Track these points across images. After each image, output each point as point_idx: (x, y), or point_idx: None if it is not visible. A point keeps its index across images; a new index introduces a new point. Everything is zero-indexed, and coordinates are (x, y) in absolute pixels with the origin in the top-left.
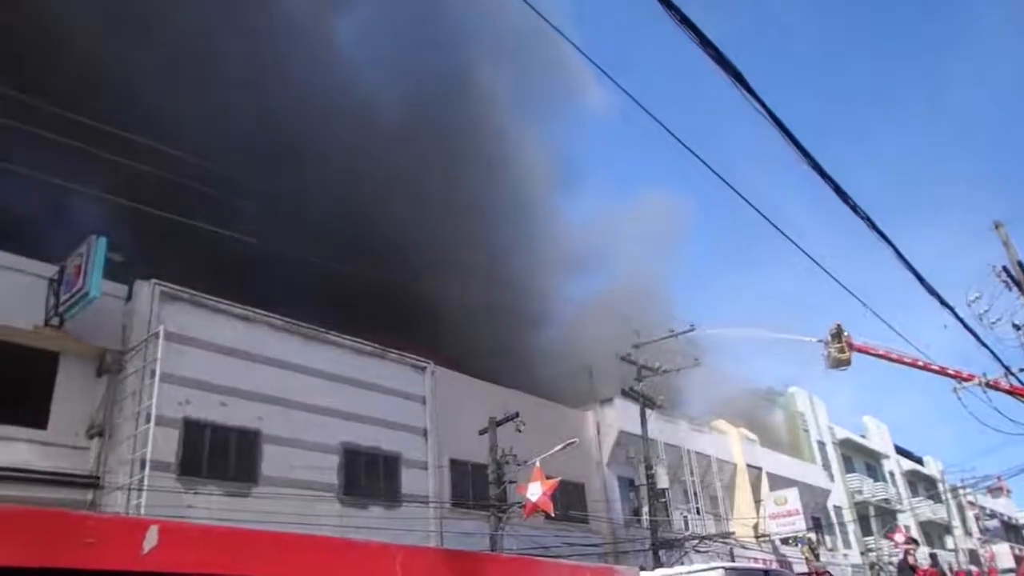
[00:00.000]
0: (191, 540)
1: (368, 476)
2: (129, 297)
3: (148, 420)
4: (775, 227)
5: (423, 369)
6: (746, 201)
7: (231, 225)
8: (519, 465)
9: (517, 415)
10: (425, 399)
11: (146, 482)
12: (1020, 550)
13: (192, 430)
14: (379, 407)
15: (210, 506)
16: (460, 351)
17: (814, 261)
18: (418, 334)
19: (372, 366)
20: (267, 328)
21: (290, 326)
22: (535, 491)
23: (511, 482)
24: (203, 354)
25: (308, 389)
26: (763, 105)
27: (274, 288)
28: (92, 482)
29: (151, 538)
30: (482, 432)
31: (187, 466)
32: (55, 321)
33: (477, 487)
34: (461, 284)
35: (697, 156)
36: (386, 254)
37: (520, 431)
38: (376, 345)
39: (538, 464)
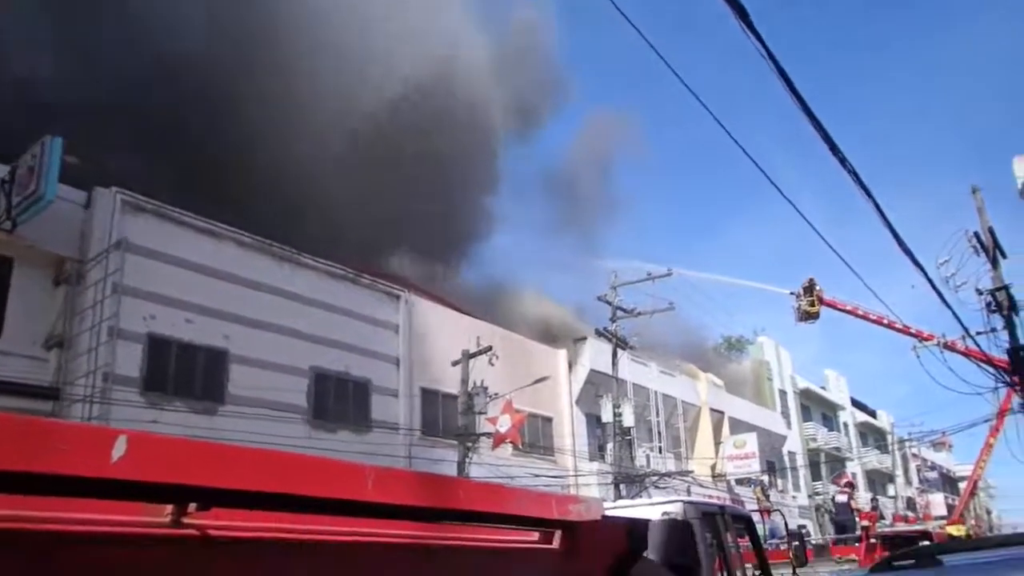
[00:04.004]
0: (160, 451)
1: (337, 401)
2: (88, 204)
3: (110, 334)
4: (762, 171)
5: (397, 297)
6: (735, 142)
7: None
8: (490, 398)
9: (491, 348)
10: (398, 327)
11: (108, 396)
12: (953, 500)
13: (157, 346)
14: (351, 333)
15: (175, 423)
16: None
17: (795, 208)
18: (389, 261)
19: (345, 291)
20: (236, 245)
21: (260, 244)
22: (504, 423)
23: (481, 413)
24: (168, 269)
25: (278, 310)
26: (761, 42)
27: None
28: (51, 393)
29: (119, 447)
30: (455, 363)
31: (152, 382)
32: (7, 225)
33: (447, 417)
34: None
35: (689, 89)
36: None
37: (493, 364)
38: (349, 269)
39: (509, 397)
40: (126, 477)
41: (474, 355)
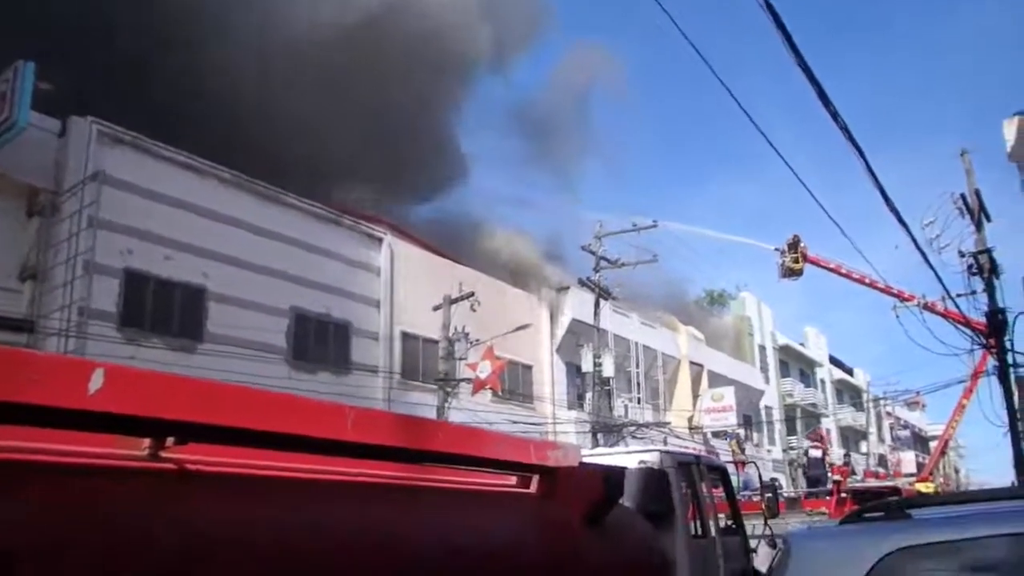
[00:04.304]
0: (138, 384)
1: (317, 342)
2: (62, 133)
3: (86, 268)
4: (752, 120)
5: (379, 240)
6: (728, 91)
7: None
8: (471, 344)
9: (472, 294)
10: (380, 270)
11: (84, 330)
12: (923, 458)
13: (134, 282)
14: (332, 274)
15: (152, 360)
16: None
17: (783, 160)
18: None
19: (327, 232)
20: (216, 182)
21: (241, 181)
22: (484, 370)
23: (461, 359)
24: (146, 203)
25: (258, 249)
26: None
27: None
28: (26, 326)
29: (96, 380)
30: (436, 308)
31: (129, 318)
32: None
33: (427, 361)
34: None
35: (684, 35)
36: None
37: (475, 310)
38: (332, 210)
39: (490, 344)
40: (103, 409)
41: (456, 300)
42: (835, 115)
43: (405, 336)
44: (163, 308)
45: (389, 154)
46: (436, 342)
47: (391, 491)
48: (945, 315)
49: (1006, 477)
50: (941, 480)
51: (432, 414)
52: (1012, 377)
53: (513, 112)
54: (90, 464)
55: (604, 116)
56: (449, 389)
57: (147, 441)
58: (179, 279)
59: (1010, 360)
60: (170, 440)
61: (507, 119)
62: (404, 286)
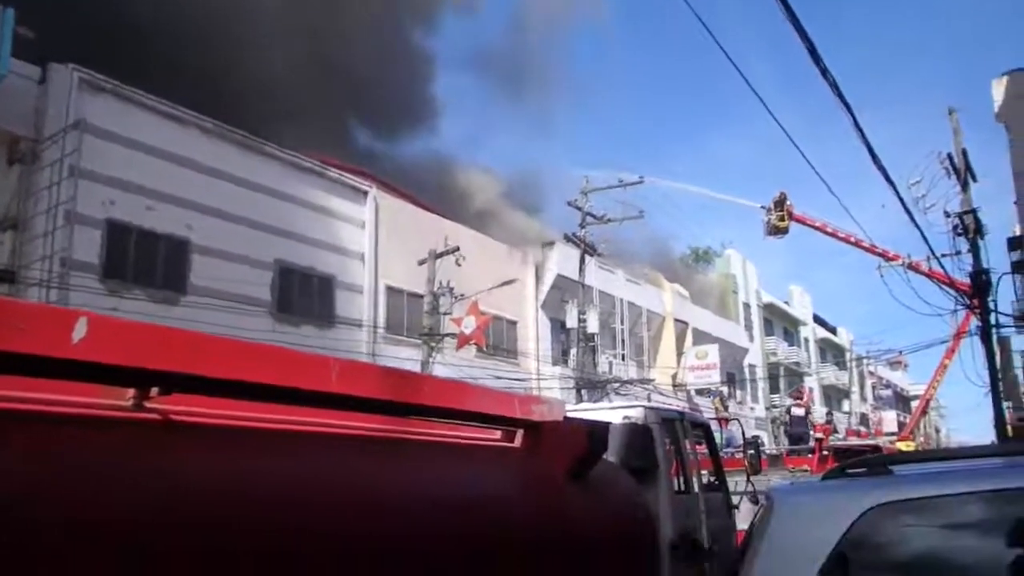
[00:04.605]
0: (122, 334)
1: (302, 295)
2: (43, 80)
3: (67, 218)
4: (741, 74)
5: (364, 193)
6: (718, 44)
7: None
8: (456, 299)
9: (458, 249)
10: (364, 223)
11: (65, 281)
12: (904, 417)
13: (116, 233)
14: (317, 227)
15: (135, 312)
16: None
17: (772, 115)
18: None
19: (311, 184)
20: (199, 132)
21: (225, 132)
22: (469, 324)
23: (446, 314)
24: (129, 153)
25: (242, 201)
26: None
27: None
28: (6, 276)
29: (80, 329)
30: (421, 262)
31: (111, 269)
32: None
33: (412, 316)
34: None
35: None
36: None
37: (460, 265)
38: (317, 162)
39: (475, 299)
40: (86, 358)
41: (441, 255)
42: (824, 71)
43: (390, 290)
44: (146, 260)
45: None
46: (421, 296)
47: (376, 443)
48: (929, 275)
49: (986, 437)
50: (922, 439)
51: (416, 369)
52: (994, 338)
53: (488, 58)
54: (74, 414)
55: (589, 68)
56: (434, 344)
57: (131, 391)
58: (162, 231)
59: (992, 321)
60: (154, 390)
61: (484, 67)
62: (389, 240)
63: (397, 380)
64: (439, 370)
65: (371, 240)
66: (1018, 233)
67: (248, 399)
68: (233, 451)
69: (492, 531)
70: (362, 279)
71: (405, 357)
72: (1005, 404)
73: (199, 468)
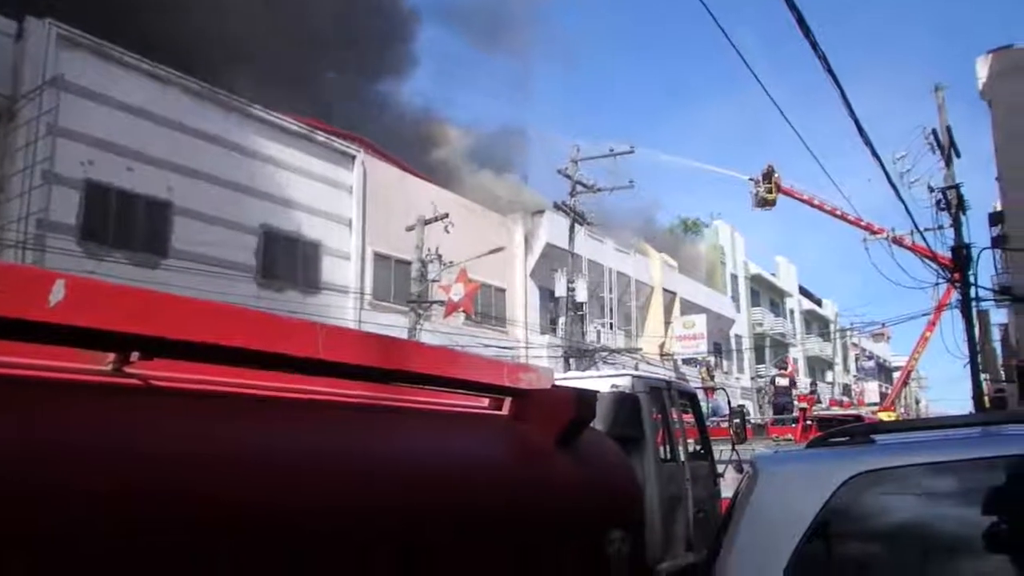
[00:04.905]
0: (101, 297)
1: (287, 261)
2: (19, 35)
3: (45, 178)
4: (732, 45)
5: (352, 157)
6: (711, 16)
7: None
8: (444, 266)
9: (447, 215)
10: (352, 188)
11: (42, 243)
12: (886, 388)
13: (95, 193)
14: (303, 191)
15: (114, 275)
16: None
17: (762, 86)
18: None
19: (298, 148)
20: (181, 91)
21: (208, 92)
22: (457, 292)
23: (434, 281)
24: (108, 112)
25: (226, 164)
26: None
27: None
28: None
29: (57, 291)
30: (409, 229)
31: (89, 231)
32: None
33: (399, 283)
34: None
35: None
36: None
37: (448, 232)
38: (304, 125)
39: (463, 266)
40: (64, 322)
41: (429, 221)
42: (814, 45)
43: (377, 256)
44: (125, 221)
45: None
46: (408, 263)
47: (363, 411)
48: (913, 249)
49: (965, 407)
50: (903, 410)
51: (404, 336)
52: (974, 311)
53: (467, 17)
54: (51, 379)
55: (575, 35)
56: (421, 311)
57: (111, 356)
58: (142, 192)
59: (972, 294)
60: (135, 355)
61: (462, 26)
62: (377, 205)
63: (384, 347)
64: (427, 337)
65: (359, 206)
66: (999, 209)
67: (232, 365)
68: (216, 417)
69: (480, 498)
70: (349, 245)
71: (392, 324)
72: (983, 376)
73: (181, 434)
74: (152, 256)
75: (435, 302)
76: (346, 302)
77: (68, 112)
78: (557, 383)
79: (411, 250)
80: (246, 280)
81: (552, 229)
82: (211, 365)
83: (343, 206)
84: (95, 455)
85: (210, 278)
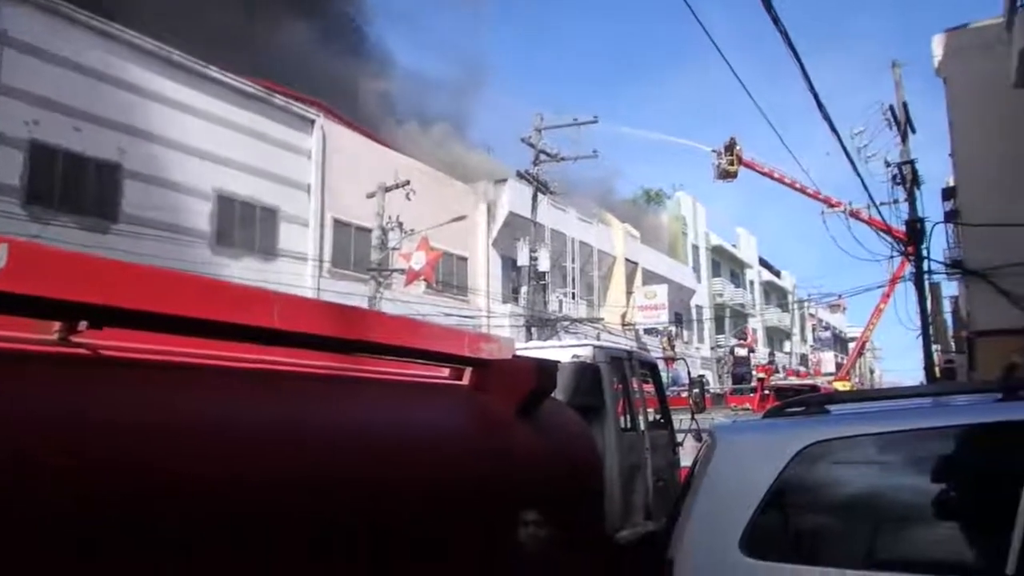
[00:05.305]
0: (47, 263)
1: (243, 227)
2: None
3: None
4: (696, 18)
5: (311, 121)
6: None
7: None
8: (405, 233)
9: (408, 183)
10: (311, 153)
11: None
12: (842, 358)
13: (40, 155)
14: (260, 156)
15: (61, 239)
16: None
17: (726, 62)
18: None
19: (255, 111)
20: (132, 50)
21: (161, 51)
22: (418, 260)
23: (395, 249)
24: (55, 70)
25: (181, 126)
26: None
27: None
28: None
29: None
30: (370, 196)
31: (34, 194)
32: None
33: (359, 250)
34: None
35: None
36: None
37: (410, 199)
38: (261, 87)
39: (425, 234)
40: (6, 289)
41: (390, 189)
42: (776, 20)
43: (336, 223)
44: (73, 184)
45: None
46: (369, 231)
47: (320, 381)
48: (869, 222)
49: (917, 377)
50: (858, 379)
51: (363, 305)
52: (927, 284)
53: None
54: None
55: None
56: (381, 279)
57: (57, 325)
58: (91, 154)
59: (925, 268)
60: (83, 324)
61: None
62: (336, 171)
63: (342, 316)
64: (387, 306)
65: (318, 171)
66: (952, 184)
67: (184, 334)
68: (168, 388)
69: (440, 469)
70: (307, 211)
71: (352, 292)
72: (934, 346)
73: (131, 405)
74: (101, 221)
75: (396, 270)
76: (304, 270)
77: (12, 69)
78: (518, 353)
79: (371, 217)
80: (200, 246)
81: (515, 198)
82: (163, 335)
83: (302, 171)
84: (40, 427)
85: (163, 244)
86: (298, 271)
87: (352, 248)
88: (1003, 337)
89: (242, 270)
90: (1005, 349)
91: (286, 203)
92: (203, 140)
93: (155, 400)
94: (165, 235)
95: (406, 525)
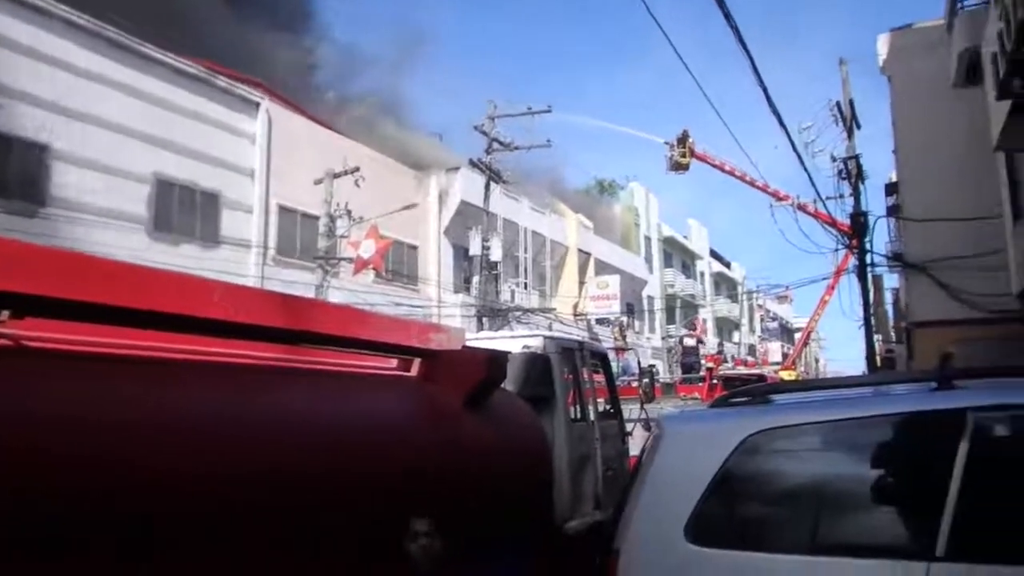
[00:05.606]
0: None
1: (183, 212)
2: None
3: None
4: (648, 11)
5: (256, 104)
6: None
7: None
8: (354, 221)
9: (357, 169)
10: (255, 137)
11: None
12: (788, 348)
13: None
14: (201, 139)
15: None
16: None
17: (678, 55)
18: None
19: (197, 92)
20: (64, 26)
21: (95, 27)
22: (368, 248)
23: (343, 237)
24: None
25: (116, 107)
26: None
27: None
28: None
29: None
30: (317, 182)
31: None
32: None
33: (305, 238)
34: None
35: None
36: None
37: (359, 186)
38: (204, 68)
39: (374, 222)
40: None
41: (339, 175)
42: (728, 15)
43: (282, 210)
44: None
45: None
46: (316, 218)
47: (262, 373)
48: (815, 216)
49: (859, 367)
50: (803, 369)
51: (310, 294)
52: (869, 276)
53: None
54: None
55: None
56: (329, 268)
57: None
58: (15, 133)
59: (868, 260)
60: (5, 313)
61: None
62: (283, 156)
63: (286, 306)
64: (335, 295)
65: (263, 156)
66: (894, 180)
67: (117, 324)
68: (97, 381)
69: (384, 461)
70: (252, 197)
71: (298, 281)
72: (876, 336)
73: (56, 398)
74: (28, 204)
75: (344, 259)
76: (248, 257)
77: None
78: (468, 344)
79: (319, 204)
80: (136, 232)
81: (467, 186)
82: (92, 325)
83: (246, 156)
84: None
85: (96, 229)
86: (241, 259)
87: (298, 235)
88: (940, 328)
89: (181, 258)
90: (942, 339)
91: (229, 188)
92: (141, 121)
93: (81, 393)
94: (98, 220)
95: (352, 519)
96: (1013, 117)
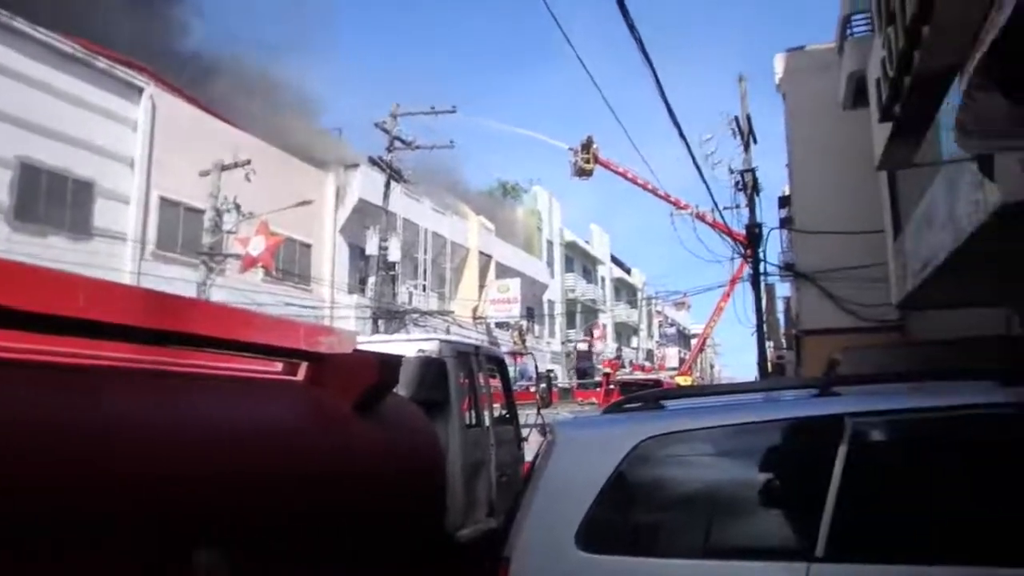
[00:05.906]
0: None
1: (51, 201)
2: None
3: None
4: (556, 21)
5: (140, 90)
6: None
7: None
8: (243, 217)
9: (248, 162)
10: (137, 124)
11: None
12: (685, 354)
13: None
14: (76, 124)
15: None
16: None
17: (581, 63)
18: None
19: (72, 73)
20: None
21: None
22: (257, 245)
23: (230, 232)
24: None
25: None
26: None
27: None
28: None
29: None
30: (204, 174)
31: None
32: None
33: (189, 232)
34: None
35: None
36: None
37: (250, 180)
38: (81, 48)
39: (264, 218)
40: None
41: (228, 167)
42: (632, 27)
43: (164, 202)
44: None
45: None
46: (201, 212)
47: (134, 376)
48: (713, 225)
49: (752, 372)
50: (699, 374)
51: (191, 292)
52: (762, 285)
53: None
54: None
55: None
56: (214, 264)
57: None
58: None
59: (762, 269)
60: None
61: None
62: (166, 146)
63: (161, 304)
64: (219, 294)
65: (144, 144)
66: (787, 193)
67: None
68: None
69: (268, 468)
70: (130, 187)
71: (178, 278)
72: (768, 343)
73: None
74: None
75: (230, 255)
76: (124, 251)
77: None
78: (361, 347)
79: (205, 198)
80: None
81: (366, 184)
82: None
83: (125, 143)
84: None
85: None
86: (116, 253)
87: (180, 230)
88: (827, 336)
89: (47, 249)
90: (829, 347)
91: (105, 177)
92: (5, 101)
93: None
94: None
95: (235, 526)
96: (893, 140)
